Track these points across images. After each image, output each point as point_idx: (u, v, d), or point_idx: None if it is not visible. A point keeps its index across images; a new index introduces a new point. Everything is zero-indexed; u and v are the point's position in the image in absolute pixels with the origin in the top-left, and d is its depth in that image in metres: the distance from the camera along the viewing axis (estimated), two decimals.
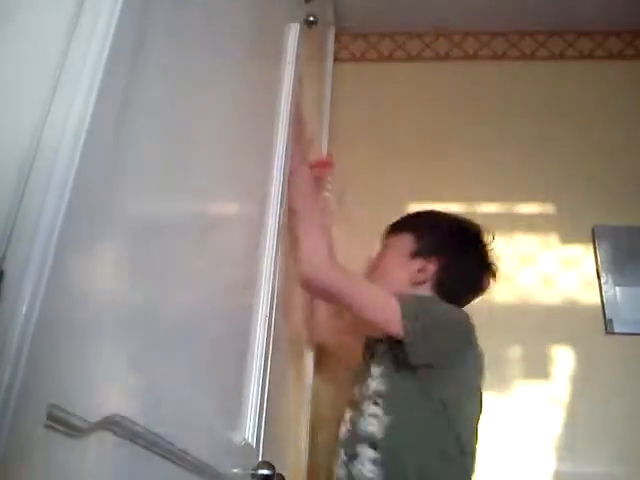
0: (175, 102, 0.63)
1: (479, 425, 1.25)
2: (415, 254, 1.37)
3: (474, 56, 2.17)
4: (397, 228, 1.46)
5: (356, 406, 1.26)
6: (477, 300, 1.79)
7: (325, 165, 1.14)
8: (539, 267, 1.84)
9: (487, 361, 1.72)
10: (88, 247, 0.42)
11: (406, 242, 1.40)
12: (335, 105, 2.05)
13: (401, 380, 1.22)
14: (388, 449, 1.16)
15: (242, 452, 0.86)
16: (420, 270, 1.36)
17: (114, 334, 0.47)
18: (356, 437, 1.21)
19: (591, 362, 1.71)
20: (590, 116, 2.01)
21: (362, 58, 2.21)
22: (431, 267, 1.36)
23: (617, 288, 1.76)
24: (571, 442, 1.63)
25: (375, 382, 1.24)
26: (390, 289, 1.28)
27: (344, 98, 2.09)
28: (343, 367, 1.57)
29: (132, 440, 0.50)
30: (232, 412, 0.87)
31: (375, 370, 1.26)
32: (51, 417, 0.38)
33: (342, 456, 1.22)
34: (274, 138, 1.15)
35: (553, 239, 1.87)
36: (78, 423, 0.41)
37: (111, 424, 0.46)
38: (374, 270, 1.43)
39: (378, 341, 1.29)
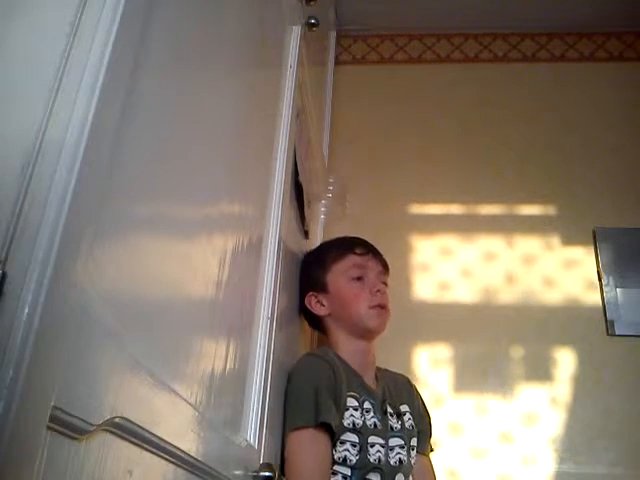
0: (176, 102, 0.64)
1: None
2: None
3: (475, 58, 2.17)
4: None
5: None
6: (479, 302, 1.80)
7: None
8: (540, 269, 1.84)
9: (488, 362, 1.73)
10: (90, 248, 0.42)
11: None
12: (336, 107, 2.06)
13: None
14: None
15: (244, 454, 0.86)
16: None
17: (116, 335, 0.47)
18: None
19: (592, 364, 1.71)
20: (591, 118, 2.01)
21: (363, 60, 2.22)
22: None
23: (618, 290, 1.76)
24: (572, 443, 1.63)
25: None
26: None
27: (345, 100, 2.10)
28: None
29: (134, 442, 0.50)
30: (234, 413, 0.87)
31: None
32: (53, 419, 0.38)
33: None
34: (275, 140, 1.15)
35: (554, 241, 1.87)
36: (80, 425, 0.41)
37: (113, 426, 0.46)
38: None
39: None
